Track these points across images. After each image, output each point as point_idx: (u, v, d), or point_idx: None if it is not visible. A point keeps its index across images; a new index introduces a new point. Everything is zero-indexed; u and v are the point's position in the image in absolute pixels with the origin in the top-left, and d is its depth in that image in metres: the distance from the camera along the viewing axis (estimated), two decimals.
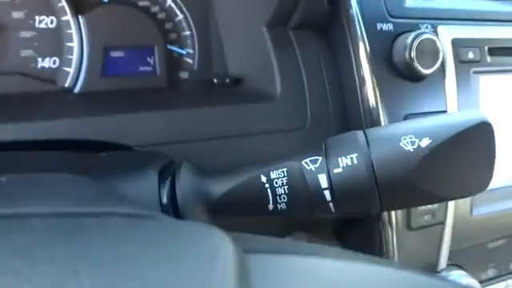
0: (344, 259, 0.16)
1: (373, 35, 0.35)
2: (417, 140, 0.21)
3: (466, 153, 0.21)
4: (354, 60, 0.36)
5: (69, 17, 0.40)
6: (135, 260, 0.14)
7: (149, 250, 0.15)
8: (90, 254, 0.14)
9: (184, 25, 0.45)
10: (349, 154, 0.21)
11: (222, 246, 0.14)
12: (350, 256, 0.17)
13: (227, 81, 0.43)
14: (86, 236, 0.15)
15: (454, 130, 0.21)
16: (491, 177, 0.23)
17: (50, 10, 0.41)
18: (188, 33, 0.45)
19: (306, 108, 0.37)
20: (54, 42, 0.42)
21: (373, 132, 0.22)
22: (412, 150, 0.20)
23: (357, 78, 0.35)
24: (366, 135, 0.22)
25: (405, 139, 0.21)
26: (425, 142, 0.20)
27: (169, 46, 0.45)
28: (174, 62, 0.45)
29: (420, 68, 0.34)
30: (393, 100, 0.34)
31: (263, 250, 0.16)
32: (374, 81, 0.35)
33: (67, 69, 0.42)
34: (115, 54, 0.43)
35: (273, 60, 0.38)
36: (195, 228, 0.16)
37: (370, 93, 0.35)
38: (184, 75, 0.46)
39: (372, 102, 0.35)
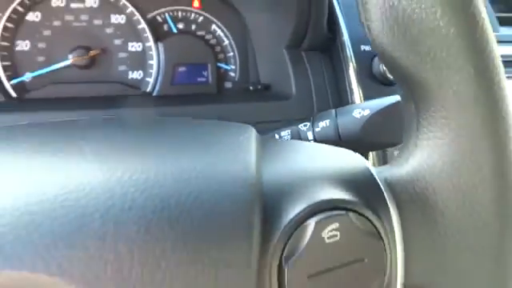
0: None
1: (358, 54, 0.49)
2: (362, 111, 0.35)
3: (392, 117, 0.35)
4: (345, 72, 0.50)
5: (151, 43, 0.55)
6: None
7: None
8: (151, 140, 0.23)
9: (229, 48, 0.59)
10: (324, 120, 0.36)
11: (248, 129, 0.25)
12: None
13: (259, 87, 0.56)
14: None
15: (385, 104, 0.35)
16: None
17: (139, 38, 0.55)
18: (231, 54, 0.59)
19: (312, 105, 0.51)
20: (141, 60, 0.55)
21: (341, 109, 0.37)
22: (359, 117, 0.35)
23: (347, 84, 0.50)
24: (336, 111, 0.37)
25: (355, 111, 0.35)
26: (366, 112, 0.35)
27: (218, 64, 0.58)
28: (221, 75, 0.58)
29: (390, 76, 0.48)
30: (372, 98, 0.49)
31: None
32: (360, 86, 0.49)
33: (148, 79, 0.55)
34: (181, 69, 0.56)
35: (290, 72, 0.52)
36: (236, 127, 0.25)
37: (357, 94, 0.49)
38: (228, 84, 0.59)
39: (358, 100, 0.49)
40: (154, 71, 0.56)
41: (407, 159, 0.24)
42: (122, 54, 0.56)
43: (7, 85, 0.52)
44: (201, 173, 0.20)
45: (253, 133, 0.25)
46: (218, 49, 0.59)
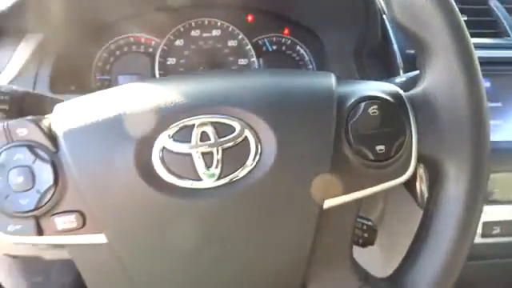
0: None
1: (404, 57, 0.68)
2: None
3: None
4: (396, 71, 0.69)
5: (254, 59, 0.79)
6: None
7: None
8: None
9: (308, 62, 0.80)
10: None
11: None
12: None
13: None
14: None
15: None
16: None
17: (246, 56, 0.79)
18: (311, 66, 0.80)
19: None
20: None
21: None
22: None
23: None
24: None
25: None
26: None
27: None
28: None
29: None
30: None
31: None
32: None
33: None
34: None
35: (355, 72, 0.73)
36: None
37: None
38: None
39: None
40: None
41: (419, 85, 0.43)
42: (234, 67, 0.80)
43: None
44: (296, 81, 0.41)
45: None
46: (301, 63, 0.81)
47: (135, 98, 0.39)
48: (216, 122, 0.37)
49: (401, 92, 0.42)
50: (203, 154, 0.37)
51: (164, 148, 0.37)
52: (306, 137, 0.38)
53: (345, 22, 0.72)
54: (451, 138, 0.40)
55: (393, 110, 0.40)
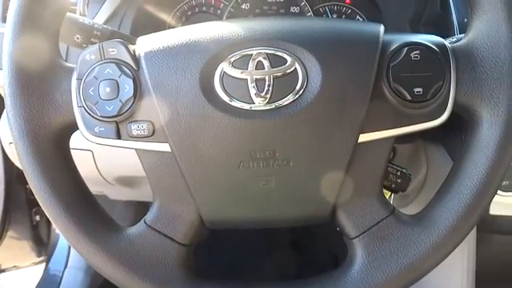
0: None
1: (462, 28, 0.69)
2: None
3: None
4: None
5: None
6: None
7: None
8: None
9: None
10: None
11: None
12: None
13: None
14: None
15: None
16: None
17: None
18: None
19: None
20: None
21: None
22: None
23: None
24: None
25: None
26: None
27: None
28: None
29: None
30: None
31: None
32: None
33: None
34: None
35: None
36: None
37: None
38: None
39: None
40: None
41: (465, 37, 0.45)
42: None
43: None
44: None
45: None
46: None
47: (206, 31, 0.45)
48: (271, 54, 0.43)
49: (445, 42, 0.45)
50: (257, 80, 0.43)
51: (224, 73, 0.43)
52: (349, 73, 0.43)
53: None
54: (488, 86, 0.43)
55: (434, 57, 0.44)
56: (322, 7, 0.85)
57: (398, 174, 0.52)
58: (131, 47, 0.46)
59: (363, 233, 0.45)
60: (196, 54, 0.43)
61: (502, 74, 0.42)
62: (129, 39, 0.55)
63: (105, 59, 0.45)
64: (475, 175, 0.43)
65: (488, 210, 0.67)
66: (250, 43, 0.43)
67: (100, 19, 0.73)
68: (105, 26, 0.56)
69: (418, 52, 0.43)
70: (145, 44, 0.46)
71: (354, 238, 0.45)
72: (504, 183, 0.64)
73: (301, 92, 0.42)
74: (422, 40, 0.45)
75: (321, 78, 0.42)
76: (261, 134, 0.43)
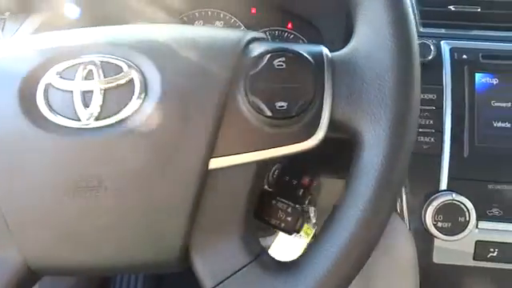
0: None
1: None
2: None
3: None
4: None
5: None
6: None
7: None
8: None
9: None
10: None
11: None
12: None
13: None
14: None
15: None
16: None
17: None
18: None
19: None
20: None
21: None
22: None
23: None
24: None
25: None
26: None
27: None
28: None
29: None
30: None
31: None
32: None
33: None
34: None
35: None
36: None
37: None
38: None
39: None
40: None
41: (348, 45, 0.38)
42: None
43: None
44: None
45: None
46: None
47: (37, 41, 0.39)
48: (105, 62, 0.36)
49: (324, 50, 0.38)
50: (84, 92, 0.35)
51: (50, 84, 0.36)
52: (196, 83, 0.35)
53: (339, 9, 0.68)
54: (367, 99, 0.34)
55: (303, 66, 0.36)
56: (264, 32, 0.79)
57: (289, 210, 0.43)
58: None
59: (220, 283, 0.35)
60: (18, 63, 0.37)
61: (384, 85, 0.34)
62: None
63: None
64: (354, 213, 0.33)
65: (431, 257, 0.56)
66: (81, 50, 0.37)
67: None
68: None
69: (283, 60, 0.36)
70: None
71: None
72: (446, 225, 0.54)
73: (137, 106, 0.35)
74: (294, 48, 0.37)
75: (160, 90, 0.35)
76: (87, 157, 0.35)
